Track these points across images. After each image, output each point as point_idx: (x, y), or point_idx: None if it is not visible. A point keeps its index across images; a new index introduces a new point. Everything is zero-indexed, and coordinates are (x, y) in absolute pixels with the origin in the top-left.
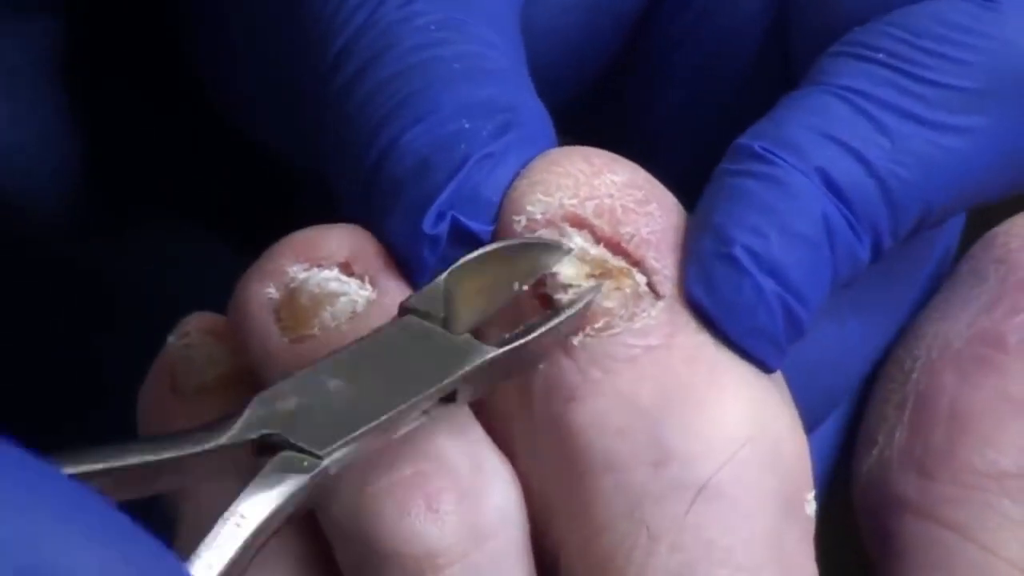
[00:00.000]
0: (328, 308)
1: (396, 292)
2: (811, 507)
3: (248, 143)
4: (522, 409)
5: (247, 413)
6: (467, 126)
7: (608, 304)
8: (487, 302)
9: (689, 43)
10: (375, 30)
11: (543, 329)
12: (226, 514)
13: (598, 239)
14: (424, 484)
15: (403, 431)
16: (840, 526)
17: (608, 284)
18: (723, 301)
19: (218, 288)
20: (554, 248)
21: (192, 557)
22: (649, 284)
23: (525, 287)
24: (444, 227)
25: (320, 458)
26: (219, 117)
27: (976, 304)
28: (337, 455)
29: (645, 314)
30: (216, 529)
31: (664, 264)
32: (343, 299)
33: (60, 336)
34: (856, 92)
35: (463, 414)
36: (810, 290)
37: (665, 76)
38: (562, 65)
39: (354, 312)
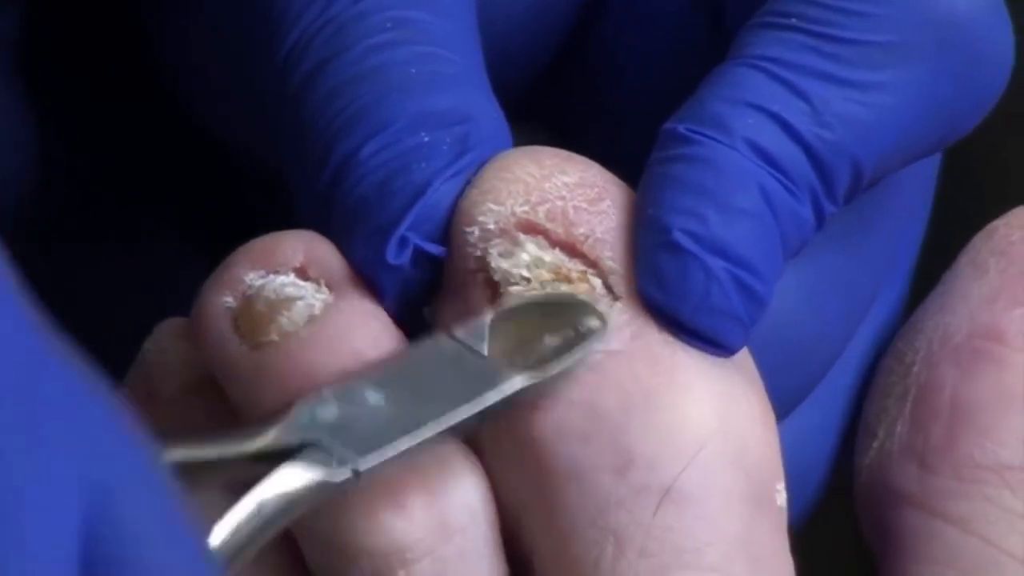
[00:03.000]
0: (285, 313)
1: (354, 295)
2: (781, 498)
3: (220, 146)
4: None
5: (288, 419)
6: (426, 139)
7: None
8: (517, 343)
9: (645, 19)
10: (329, 28)
11: (571, 362)
12: (249, 494)
13: (553, 243)
14: (391, 480)
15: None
16: (840, 520)
17: (564, 289)
18: (674, 290)
19: (190, 293)
20: (591, 307)
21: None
22: (606, 285)
23: (555, 340)
24: (407, 256)
25: (352, 464)
26: (189, 119)
27: (976, 297)
28: (369, 463)
29: None
30: (235, 506)
31: (620, 263)
32: (300, 303)
33: None
34: (771, 60)
35: None
36: (761, 261)
37: (625, 51)
38: (515, 41)
39: (312, 316)
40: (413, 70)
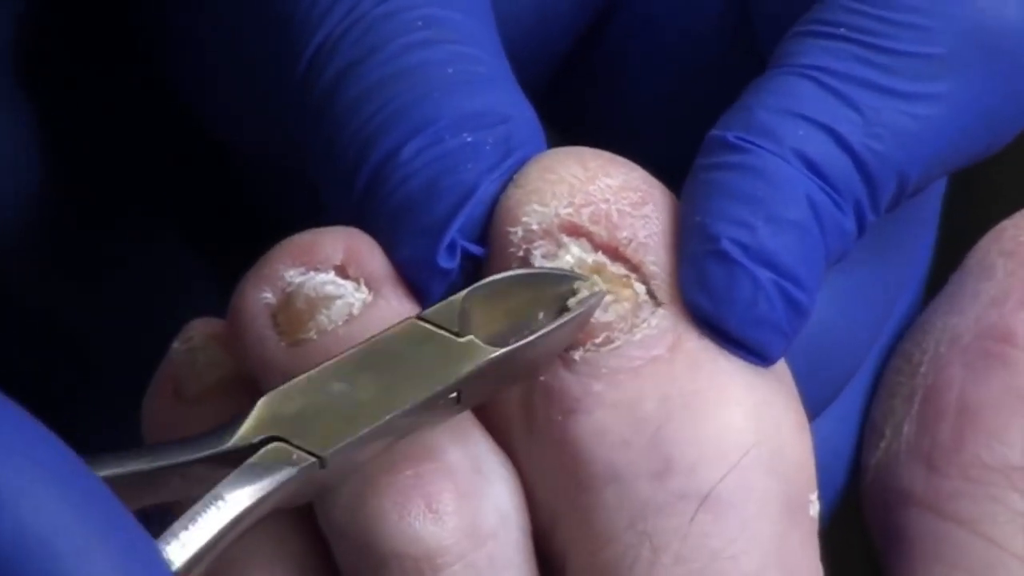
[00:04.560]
0: (324, 311)
1: (392, 295)
2: (814, 508)
3: (224, 149)
4: (524, 419)
5: (251, 417)
6: (469, 140)
7: (608, 318)
8: (509, 326)
9: (656, 24)
10: (357, 28)
11: (545, 331)
12: (207, 497)
13: (596, 246)
14: (424, 485)
15: (410, 433)
16: (848, 519)
17: (607, 298)
18: (720, 298)
19: (192, 296)
20: (578, 278)
21: (167, 535)
22: (648, 290)
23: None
24: (456, 259)
25: (317, 455)
26: (191, 121)
27: (985, 297)
28: (335, 454)
29: (645, 324)
30: (194, 511)
31: (662, 268)
32: (339, 302)
33: (30, 362)
34: (821, 70)
35: (464, 416)
36: (806, 273)
37: (635, 58)
38: (521, 46)
39: (351, 315)
40: (450, 70)
